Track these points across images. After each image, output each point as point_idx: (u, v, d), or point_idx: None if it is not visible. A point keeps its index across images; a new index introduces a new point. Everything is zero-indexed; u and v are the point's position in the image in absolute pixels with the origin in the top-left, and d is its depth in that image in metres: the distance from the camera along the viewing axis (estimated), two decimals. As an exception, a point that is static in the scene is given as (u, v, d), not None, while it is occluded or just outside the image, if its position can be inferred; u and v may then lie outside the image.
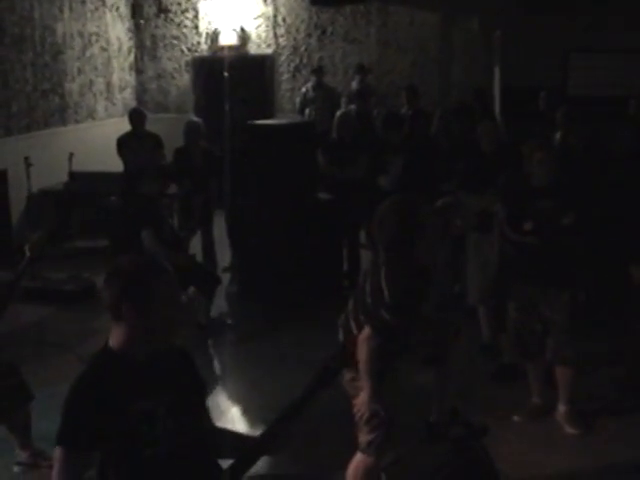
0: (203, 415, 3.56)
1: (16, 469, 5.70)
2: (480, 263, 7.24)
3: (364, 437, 4.65)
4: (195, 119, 10.15)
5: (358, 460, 4.74)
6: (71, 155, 11.14)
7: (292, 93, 14.51)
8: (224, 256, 9.84)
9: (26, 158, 10.27)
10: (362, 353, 4.49)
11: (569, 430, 6.08)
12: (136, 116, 10.90)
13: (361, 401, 4.59)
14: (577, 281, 6.06)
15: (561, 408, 6.17)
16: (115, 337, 3.32)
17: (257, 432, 3.62)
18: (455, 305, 7.91)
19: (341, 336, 4.79)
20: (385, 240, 4.63)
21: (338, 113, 10.27)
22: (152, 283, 3.25)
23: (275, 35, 14.51)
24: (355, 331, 4.63)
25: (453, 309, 7.61)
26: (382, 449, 4.63)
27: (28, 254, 5.49)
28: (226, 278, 9.47)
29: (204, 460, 3.42)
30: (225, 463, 3.39)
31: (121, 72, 14.57)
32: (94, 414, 3.16)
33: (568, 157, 7.72)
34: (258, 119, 9.74)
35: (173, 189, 9.52)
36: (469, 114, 9.19)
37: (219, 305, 8.79)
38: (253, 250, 8.98)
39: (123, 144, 10.68)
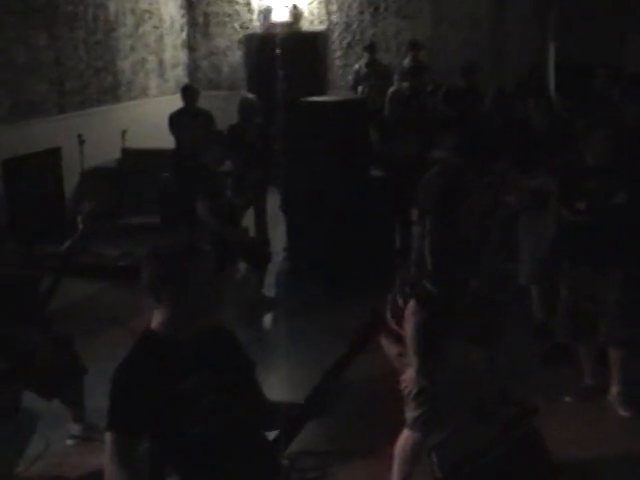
0: (251, 392, 3.57)
1: (69, 442, 5.78)
2: (533, 242, 7.18)
3: (411, 413, 4.66)
4: (249, 96, 10.14)
5: (405, 436, 4.75)
6: (124, 132, 11.22)
7: (345, 70, 14.44)
8: (277, 234, 9.84)
9: (79, 135, 10.36)
10: (408, 328, 4.47)
11: (621, 412, 6.02)
12: (189, 93, 10.94)
13: (408, 377, 4.58)
14: (630, 261, 5.98)
15: (613, 390, 6.11)
16: (157, 319, 3.36)
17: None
18: (507, 285, 7.86)
19: (389, 312, 4.77)
20: (428, 204, 4.62)
21: (391, 90, 10.21)
22: (189, 266, 3.27)
23: (328, 12, 14.44)
24: (402, 305, 4.61)
25: (504, 289, 7.56)
26: (429, 425, 4.64)
27: (81, 226, 5.54)
28: (279, 255, 9.49)
29: (252, 436, 3.44)
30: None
31: (173, 50, 14.60)
32: (140, 397, 3.22)
33: (623, 136, 7.61)
34: (311, 96, 9.71)
35: (227, 166, 9.53)
36: (523, 91, 9.09)
37: (271, 282, 8.82)
38: (306, 227, 8.98)
39: (175, 121, 10.71)
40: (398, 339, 4.59)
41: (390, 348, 4.66)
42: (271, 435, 3.52)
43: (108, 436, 3.27)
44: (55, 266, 5.55)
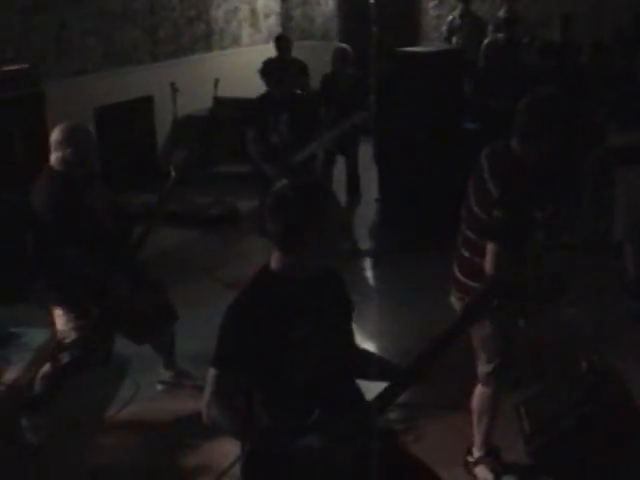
0: (351, 337, 3.57)
1: (159, 387, 5.86)
2: (628, 199, 7.01)
3: (483, 368, 4.62)
4: (343, 45, 10.04)
5: (480, 391, 4.73)
6: (217, 81, 11.18)
7: (439, 21, 14.20)
8: (370, 184, 9.78)
9: (172, 84, 10.39)
10: (489, 266, 4.34)
11: None
12: (282, 42, 10.89)
13: (479, 332, 4.52)
14: None
15: None
16: (278, 260, 3.30)
17: (394, 360, 3.63)
18: (600, 241, 7.73)
19: (456, 266, 4.66)
20: None
21: (485, 41, 10.02)
22: (321, 207, 3.22)
23: (422, -40, 14.23)
24: (466, 254, 4.53)
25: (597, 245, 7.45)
26: (501, 380, 4.60)
27: (173, 174, 5.56)
28: (372, 206, 9.47)
29: (350, 384, 3.44)
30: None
31: (266, -1, 14.56)
32: (249, 336, 3.19)
33: None
34: (404, 47, 9.59)
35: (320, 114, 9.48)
36: (626, 42, 8.85)
37: (363, 233, 8.80)
38: (397, 178, 8.92)
39: (268, 70, 10.68)
40: (467, 293, 4.50)
41: (460, 304, 4.59)
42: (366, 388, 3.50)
43: (210, 372, 3.27)
44: (148, 214, 5.59)
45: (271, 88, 8.15)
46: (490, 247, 4.28)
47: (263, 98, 7.85)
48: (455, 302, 4.64)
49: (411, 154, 8.63)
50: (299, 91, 8.36)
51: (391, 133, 9.01)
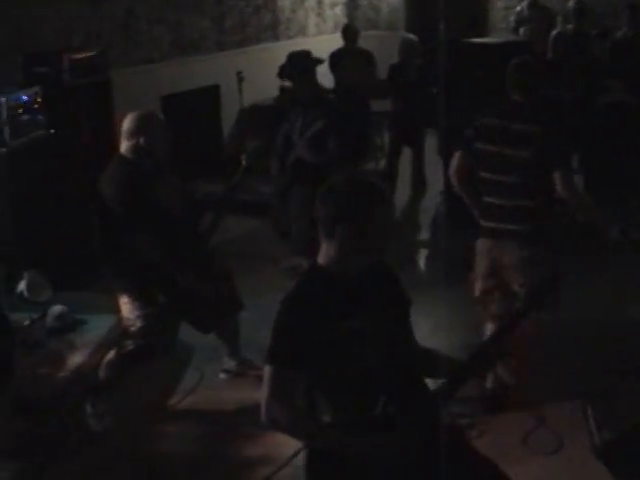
0: (410, 334, 3.53)
1: (223, 376, 5.87)
2: None
3: None
4: (410, 36, 10.00)
5: None
6: (282, 70, 11.21)
7: (506, 12, 14.05)
8: (435, 177, 9.70)
9: (239, 72, 10.38)
10: None
11: None
12: (349, 32, 10.84)
13: None
14: None
15: None
16: (325, 254, 3.30)
17: (458, 355, 3.62)
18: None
19: None
20: None
21: (554, 33, 9.87)
22: (369, 204, 3.21)
23: (491, -49, 14.08)
24: None
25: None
26: None
27: (244, 164, 5.55)
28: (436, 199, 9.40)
29: (414, 380, 3.39)
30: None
31: (333, -12, 14.51)
32: (303, 331, 3.18)
33: None
34: (471, 38, 9.49)
35: (386, 106, 9.45)
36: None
37: (426, 225, 8.75)
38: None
39: (335, 60, 10.65)
40: None
41: None
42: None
43: (266, 369, 3.25)
44: (217, 203, 5.59)
45: (339, 79, 8.14)
46: None
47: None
48: None
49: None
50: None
51: (457, 126, 8.89)
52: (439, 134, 9.74)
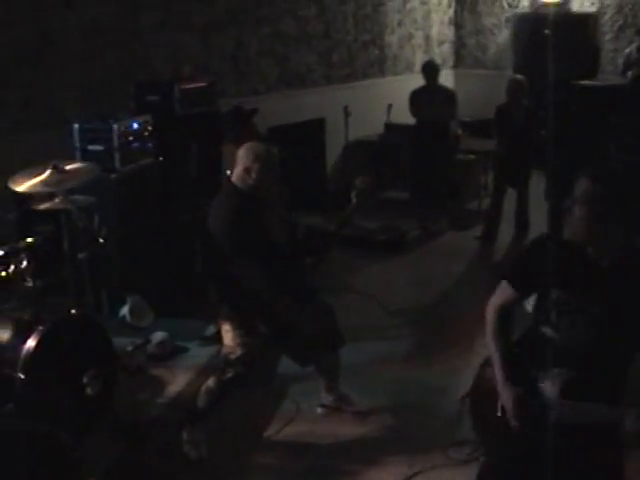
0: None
1: (319, 411, 5.82)
2: None
3: None
4: (518, 76, 9.89)
5: None
6: (390, 106, 11.21)
7: (615, 54, 13.84)
8: (540, 220, 9.55)
9: (345, 107, 10.42)
10: None
11: None
12: (429, 70, 10.76)
13: None
14: None
15: None
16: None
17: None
18: None
19: None
20: None
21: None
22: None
23: (600, -8, 13.91)
24: None
25: None
26: None
27: (354, 200, 5.52)
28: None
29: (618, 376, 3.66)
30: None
31: (440, 26, 14.48)
32: (538, 270, 3.67)
33: None
34: (579, 79, 9.38)
35: (491, 145, 9.37)
36: None
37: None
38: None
39: (415, 98, 10.62)
40: None
41: None
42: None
43: (502, 284, 3.87)
44: (325, 237, 5.59)
45: (418, 118, 8.07)
46: None
47: None
48: None
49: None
50: None
51: (565, 169, 8.76)
52: (546, 175, 9.63)
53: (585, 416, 3.55)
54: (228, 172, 5.49)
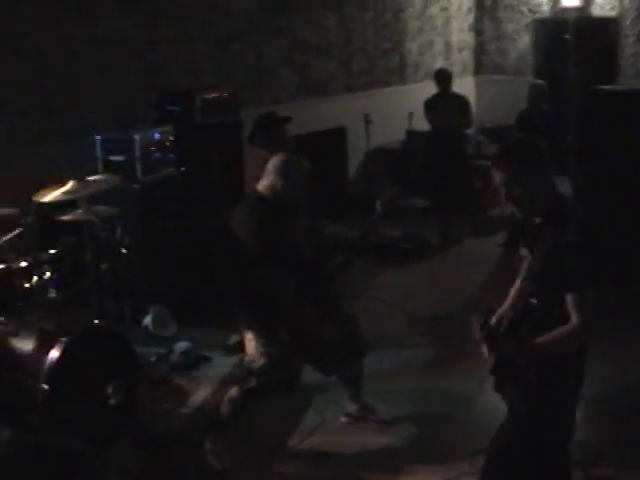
0: None
1: (343, 420, 5.81)
2: None
3: None
4: (539, 82, 9.88)
5: None
6: (411, 114, 11.21)
7: (636, 58, 13.79)
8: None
9: (366, 115, 10.43)
10: None
11: None
12: (441, 77, 10.74)
13: None
14: None
15: None
16: None
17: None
18: None
19: None
20: None
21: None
22: None
23: (621, -4, 13.86)
24: None
25: None
26: None
27: (379, 210, 5.52)
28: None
29: None
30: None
31: (460, 32, 14.45)
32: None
33: None
34: (600, 84, 9.31)
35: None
36: None
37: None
38: (598, 223, 8.56)
39: (430, 106, 10.60)
40: None
41: None
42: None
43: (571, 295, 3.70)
44: (349, 246, 5.59)
45: (432, 125, 8.05)
46: None
47: None
48: None
49: (610, 196, 8.29)
50: None
51: (591, 175, 8.70)
52: (570, 181, 9.56)
53: None
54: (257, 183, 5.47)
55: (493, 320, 4.02)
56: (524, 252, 3.96)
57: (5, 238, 5.65)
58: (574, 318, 3.68)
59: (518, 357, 3.88)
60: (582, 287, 3.70)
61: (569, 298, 3.69)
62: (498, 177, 3.90)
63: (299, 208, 5.35)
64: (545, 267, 3.77)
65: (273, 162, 5.28)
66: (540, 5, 14.37)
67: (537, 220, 3.86)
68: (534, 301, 3.87)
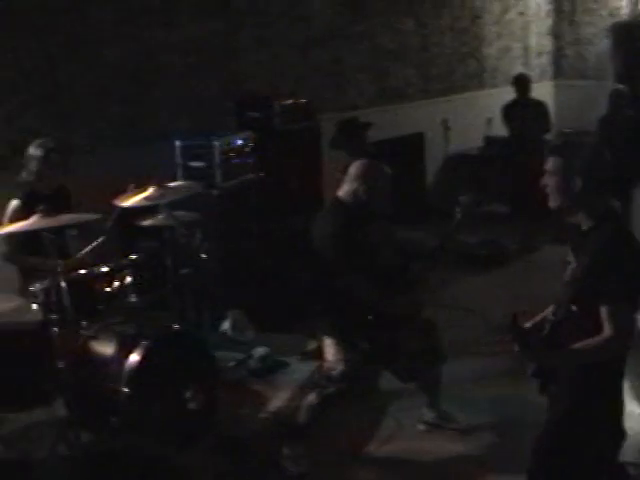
0: None
1: (420, 427, 5.78)
2: None
3: None
4: (620, 87, 9.75)
5: None
6: (489, 120, 11.14)
7: None
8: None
9: (445, 121, 10.39)
10: None
11: None
12: (520, 83, 10.63)
13: None
14: None
15: None
16: None
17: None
18: None
19: None
20: None
21: None
22: None
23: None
24: None
25: None
26: None
27: (459, 217, 5.48)
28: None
29: None
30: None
31: (538, 37, 14.28)
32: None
33: None
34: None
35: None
36: None
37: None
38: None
39: (507, 111, 10.50)
40: None
41: None
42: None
43: (607, 307, 3.58)
44: (429, 253, 5.56)
45: (511, 130, 7.96)
46: None
47: None
48: None
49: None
50: None
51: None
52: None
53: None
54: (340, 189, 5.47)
55: (528, 324, 4.05)
56: (570, 257, 3.89)
57: (88, 248, 5.75)
58: (607, 329, 3.59)
59: (548, 364, 3.88)
60: (619, 302, 3.58)
61: (604, 309, 3.59)
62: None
63: (381, 214, 5.35)
64: (586, 275, 3.69)
65: (355, 167, 5.30)
66: (619, 8, 14.16)
67: (585, 227, 3.81)
68: (574, 308, 3.78)
